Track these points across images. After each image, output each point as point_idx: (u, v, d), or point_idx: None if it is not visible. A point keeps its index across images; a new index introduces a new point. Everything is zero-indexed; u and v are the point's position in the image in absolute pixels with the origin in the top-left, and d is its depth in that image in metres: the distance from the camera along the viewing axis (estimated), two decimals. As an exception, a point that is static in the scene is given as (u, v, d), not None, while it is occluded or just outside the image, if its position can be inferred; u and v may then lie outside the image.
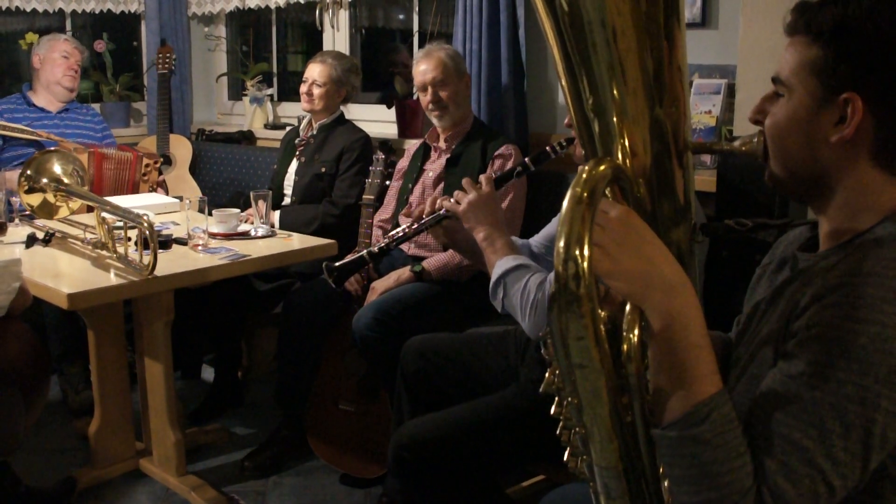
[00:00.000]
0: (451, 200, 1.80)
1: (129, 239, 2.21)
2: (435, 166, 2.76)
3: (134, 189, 3.29)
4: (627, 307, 0.95)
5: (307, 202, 3.05)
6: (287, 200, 3.16)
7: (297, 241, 2.52)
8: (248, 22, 4.40)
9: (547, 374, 1.12)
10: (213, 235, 2.45)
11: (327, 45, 3.82)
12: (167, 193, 3.45)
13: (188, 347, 3.19)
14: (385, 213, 2.88)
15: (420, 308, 2.46)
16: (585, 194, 0.87)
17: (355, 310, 2.51)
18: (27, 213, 2.64)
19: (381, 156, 2.71)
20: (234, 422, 2.99)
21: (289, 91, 4.28)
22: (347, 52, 3.65)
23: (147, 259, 2.04)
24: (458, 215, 1.78)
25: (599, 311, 0.89)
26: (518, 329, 2.03)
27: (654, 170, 1.00)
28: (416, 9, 3.57)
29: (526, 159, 1.89)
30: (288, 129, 3.52)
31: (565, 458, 1.09)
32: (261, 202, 2.54)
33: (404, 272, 2.56)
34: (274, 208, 2.94)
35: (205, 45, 4.44)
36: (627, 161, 0.99)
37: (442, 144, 2.77)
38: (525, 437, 1.77)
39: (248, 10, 4.08)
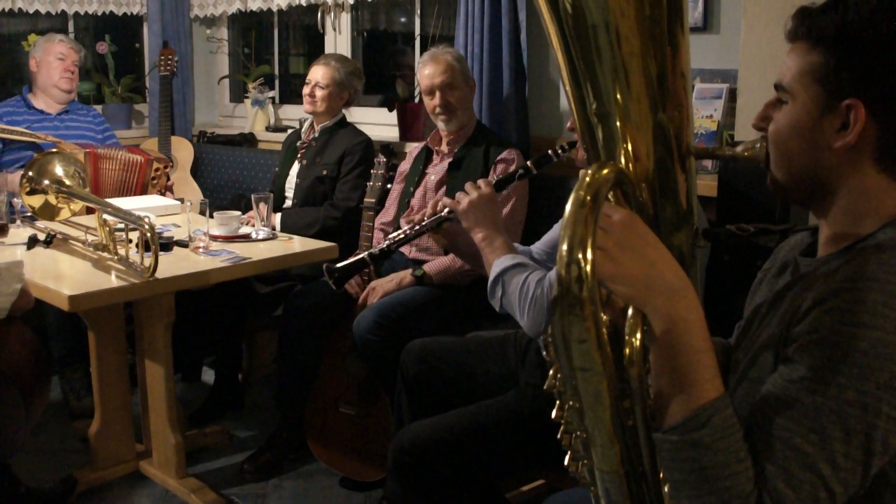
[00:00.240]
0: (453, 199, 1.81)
1: (131, 241, 2.21)
2: (437, 170, 2.76)
3: (142, 192, 3.28)
4: (629, 311, 0.95)
5: (308, 205, 3.05)
6: (288, 203, 3.16)
7: (298, 244, 2.52)
8: (250, 24, 4.40)
9: (549, 375, 1.12)
10: (214, 238, 2.45)
11: (329, 48, 3.82)
12: (175, 197, 3.44)
13: (189, 349, 3.18)
14: (386, 216, 2.87)
15: (421, 312, 2.46)
16: (588, 198, 0.87)
17: (356, 312, 2.51)
18: (29, 214, 2.63)
19: (382, 159, 2.70)
20: (234, 424, 2.99)
21: (290, 94, 4.28)
22: (349, 55, 3.65)
23: (148, 261, 2.04)
24: (458, 213, 1.78)
25: (602, 314, 0.89)
26: (518, 333, 2.03)
27: (656, 174, 1.00)
28: (418, 12, 3.58)
29: (528, 162, 1.88)
30: (289, 131, 3.53)
31: (566, 462, 1.09)
32: (262, 205, 2.55)
33: (405, 275, 2.56)
34: (275, 211, 2.95)
35: (207, 47, 4.44)
36: (630, 165, 0.99)
37: (444, 148, 2.77)
38: (525, 441, 1.77)
39: (250, 12, 4.08)
